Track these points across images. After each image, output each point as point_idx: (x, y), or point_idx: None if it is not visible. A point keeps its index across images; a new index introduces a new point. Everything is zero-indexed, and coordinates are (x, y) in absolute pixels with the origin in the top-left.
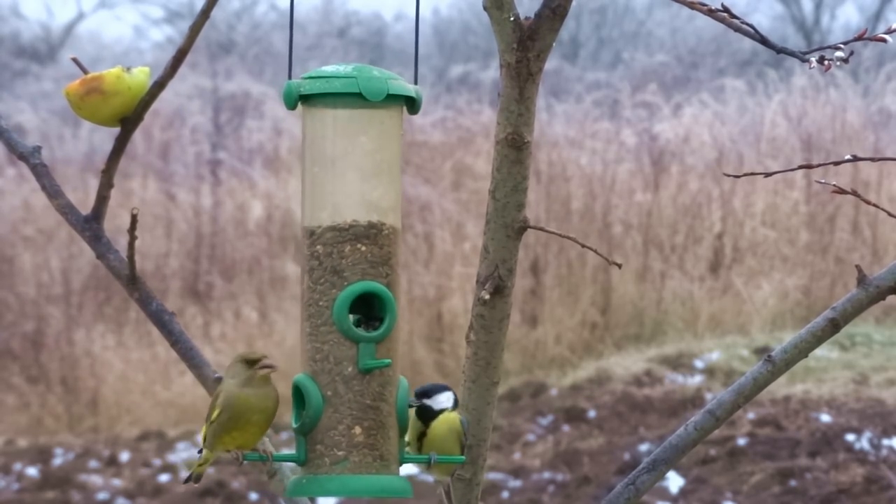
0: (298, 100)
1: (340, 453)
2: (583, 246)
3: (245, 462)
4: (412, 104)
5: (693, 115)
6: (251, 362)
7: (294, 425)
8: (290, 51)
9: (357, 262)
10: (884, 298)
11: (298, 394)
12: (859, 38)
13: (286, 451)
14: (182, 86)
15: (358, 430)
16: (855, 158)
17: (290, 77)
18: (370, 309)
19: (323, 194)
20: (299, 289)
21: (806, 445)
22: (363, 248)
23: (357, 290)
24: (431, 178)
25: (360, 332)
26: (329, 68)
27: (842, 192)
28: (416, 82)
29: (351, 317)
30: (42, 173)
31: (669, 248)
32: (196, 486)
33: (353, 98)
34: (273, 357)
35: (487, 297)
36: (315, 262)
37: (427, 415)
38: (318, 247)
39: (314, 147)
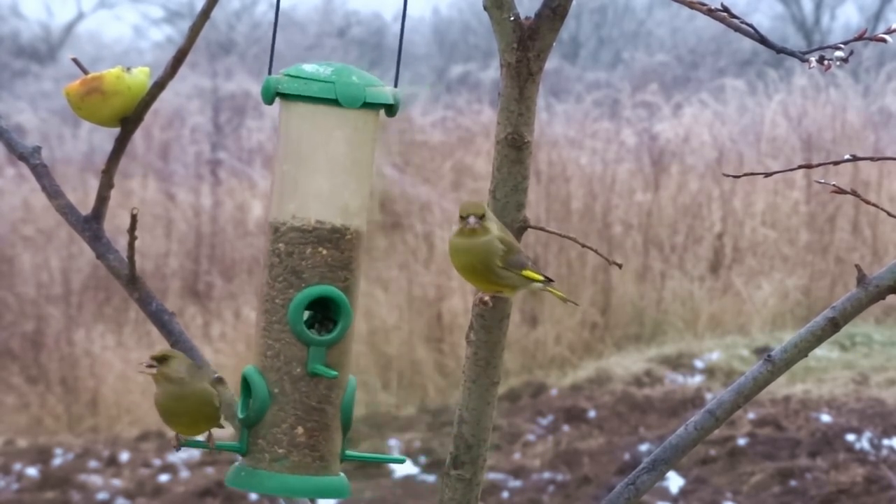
0: (275, 96)
1: (281, 451)
2: (583, 246)
3: (182, 447)
4: (390, 109)
5: (693, 115)
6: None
7: (240, 416)
8: (273, 45)
9: (317, 264)
10: (884, 298)
11: (247, 385)
12: (859, 38)
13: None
14: (182, 86)
15: (301, 430)
16: (855, 158)
17: (270, 72)
18: (327, 311)
19: (292, 192)
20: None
21: (806, 445)
22: (324, 252)
23: (313, 294)
24: (431, 178)
25: (313, 335)
26: (309, 68)
27: (842, 192)
28: (395, 85)
29: (307, 313)
30: (42, 173)
31: (669, 248)
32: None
33: (329, 102)
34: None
35: (487, 297)
36: (276, 258)
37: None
38: (281, 244)
39: (287, 143)
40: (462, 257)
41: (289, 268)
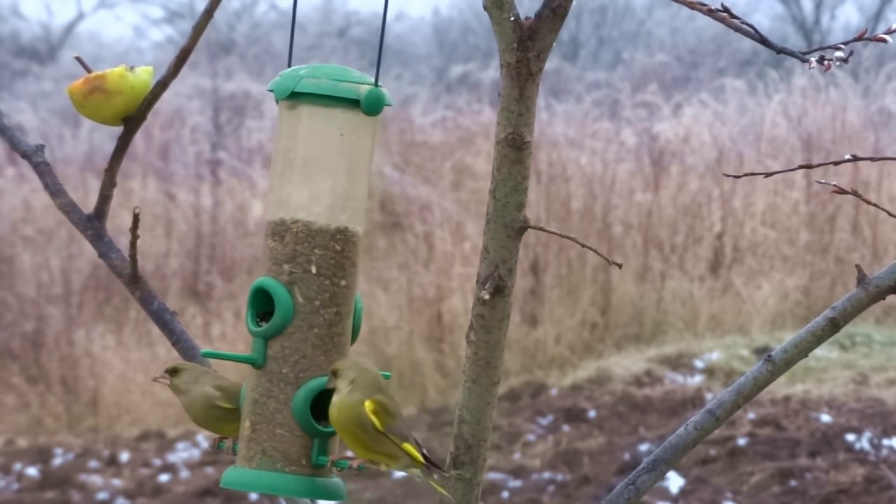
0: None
1: (240, 444)
2: (583, 246)
3: (218, 449)
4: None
5: (693, 115)
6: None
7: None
8: (291, 43)
9: (268, 258)
10: (884, 298)
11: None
12: (859, 39)
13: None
14: (182, 86)
15: (248, 423)
16: (855, 158)
17: (290, 66)
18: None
19: (271, 188)
20: None
21: (806, 445)
22: (272, 245)
23: (256, 286)
24: (431, 178)
25: (251, 325)
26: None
27: (842, 192)
28: (376, 83)
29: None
30: (44, 172)
31: (669, 248)
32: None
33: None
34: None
35: (487, 297)
36: (261, 255)
37: None
38: (271, 242)
39: (294, 143)
40: (331, 415)
41: (261, 261)
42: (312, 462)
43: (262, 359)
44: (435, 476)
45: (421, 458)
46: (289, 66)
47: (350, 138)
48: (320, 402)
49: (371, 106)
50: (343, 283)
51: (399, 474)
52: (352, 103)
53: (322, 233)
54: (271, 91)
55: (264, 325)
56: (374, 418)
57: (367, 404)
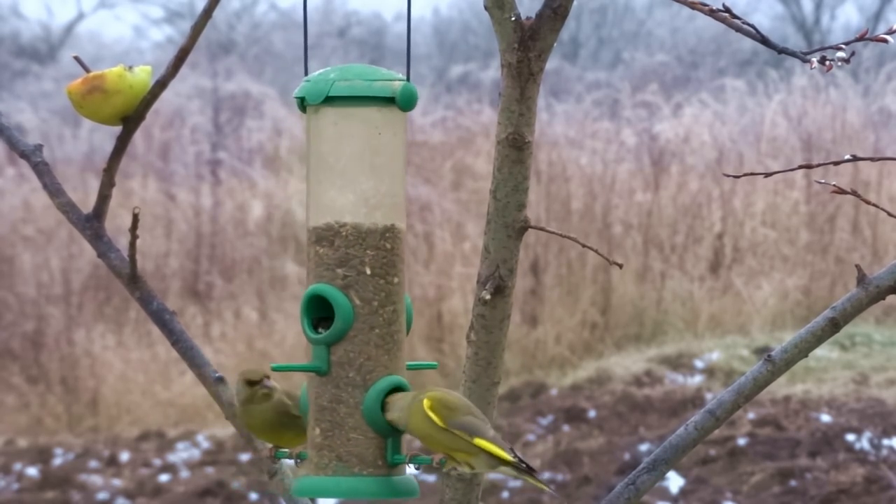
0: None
1: (309, 453)
2: (583, 246)
3: (277, 459)
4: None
5: (693, 115)
6: (252, 383)
7: None
8: (305, 47)
9: (318, 264)
10: (884, 298)
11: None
12: (860, 39)
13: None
14: (182, 86)
15: (317, 430)
16: (855, 158)
17: (306, 73)
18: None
19: (307, 193)
20: (301, 289)
21: (806, 445)
22: (321, 251)
23: (311, 293)
24: (431, 178)
25: (310, 332)
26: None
27: (842, 192)
28: (408, 78)
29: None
30: (43, 172)
31: (669, 248)
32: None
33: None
34: (273, 360)
35: (488, 297)
36: (307, 262)
37: None
38: (305, 247)
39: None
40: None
41: (308, 269)
42: (388, 462)
43: (326, 365)
44: (532, 475)
45: (505, 455)
46: (305, 70)
47: (387, 136)
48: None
49: (406, 101)
50: (396, 280)
51: None
52: (387, 101)
53: (372, 233)
54: (300, 98)
55: (324, 332)
56: (433, 416)
57: (425, 402)
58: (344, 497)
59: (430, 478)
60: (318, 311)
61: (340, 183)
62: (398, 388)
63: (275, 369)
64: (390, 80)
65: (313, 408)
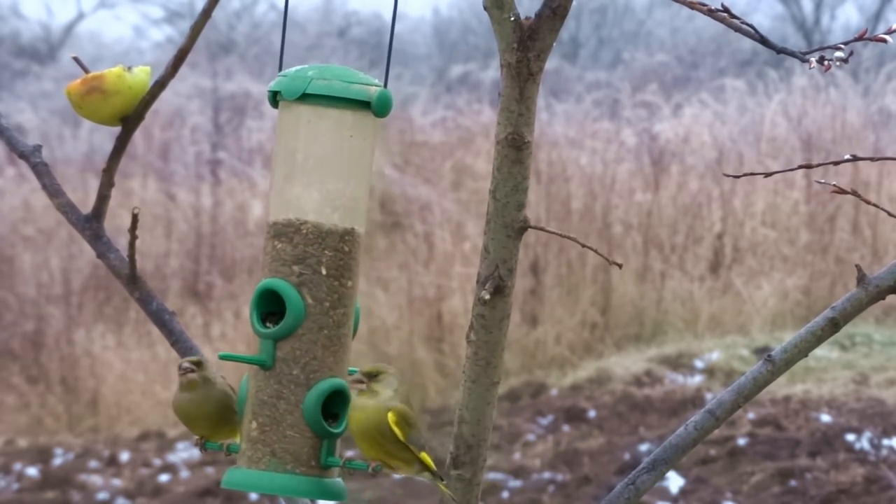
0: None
1: (243, 445)
2: (583, 246)
3: (206, 449)
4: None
5: (693, 115)
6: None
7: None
8: (282, 43)
9: (274, 259)
10: (884, 298)
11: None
12: (860, 39)
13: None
14: (182, 86)
15: (254, 424)
16: (855, 158)
17: (280, 69)
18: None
19: (271, 188)
20: None
21: (806, 445)
22: (279, 246)
23: (263, 287)
24: (431, 178)
25: (258, 326)
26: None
27: (842, 192)
28: (385, 85)
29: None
30: (43, 172)
31: (669, 248)
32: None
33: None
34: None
35: (488, 297)
36: (263, 256)
37: None
38: (263, 241)
39: (298, 144)
40: (353, 416)
41: (262, 262)
42: (321, 463)
43: (271, 360)
44: (442, 480)
45: (433, 466)
46: (280, 67)
47: (357, 139)
48: (326, 403)
49: (382, 108)
50: (349, 283)
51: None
52: (362, 105)
53: (332, 234)
54: (276, 91)
55: (273, 327)
56: (396, 429)
57: (390, 416)
58: (275, 493)
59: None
60: (269, 306)
61: (307, 181)
62: (339, 391)
63: (221, 358)
64: (367, 85)
65: (253, 401)
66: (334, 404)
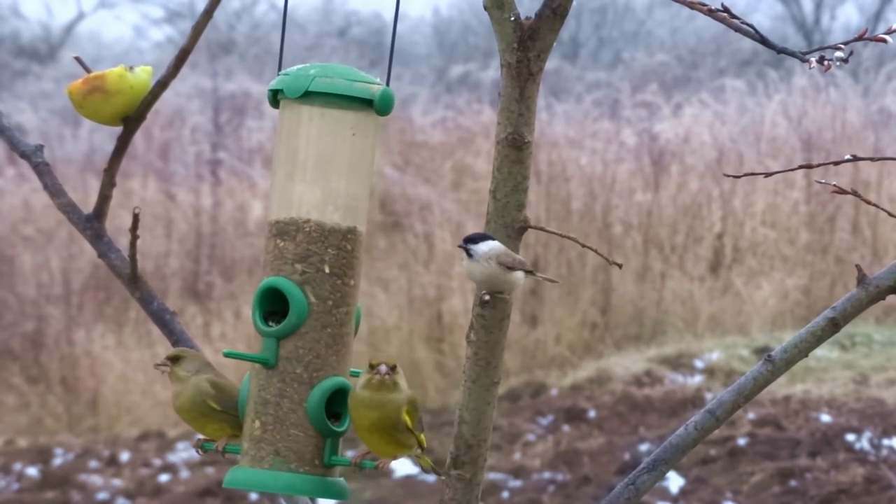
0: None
1: (245, 445)
2: (583, 246)
3: (204, 451)
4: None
5: (693, 115)
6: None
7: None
8: (282, 41)
9: (276, 257)
10: (884, 298)
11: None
12: (859, 39)
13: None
14: (182, 86)
15: (257, 423)
16: (855, 158)
17: (280, 69)
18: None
19: (272, 186)
20: None
21: (806, 445)
22: (281, 244)
23: (266, 285)
24: (431, 178)
25: (261, 324)
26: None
27: (842, 192)
28: (388, 83)
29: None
30: (44, 172)
31: (669, 248)
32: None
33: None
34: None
35: (487, 297)
36: (264, 254)
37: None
38: (278, 241)
39: (299, 144)
40: (370, 413)
41: (263, 261)
42: (325, 462)
43: (274, 359)
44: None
45: (425, 444)
46: (280, 67)
47: (359, 138)
48: (329, 402)
49: (384, 106)
50: (352, 282)
51: (399, 475)
52: (365, 103)
53: (335, 233)
54: (276, 90)
55: (275, 325)
56: (407, 418)
57: (405, 406)
58: (280, 492)
59: (431, 478)
60: (271, 305)
61: (309, 179)
62: (342, 390)
63: (226, 355)
64: (370, 84)
65: (256, 400)
66: (337, 403)
